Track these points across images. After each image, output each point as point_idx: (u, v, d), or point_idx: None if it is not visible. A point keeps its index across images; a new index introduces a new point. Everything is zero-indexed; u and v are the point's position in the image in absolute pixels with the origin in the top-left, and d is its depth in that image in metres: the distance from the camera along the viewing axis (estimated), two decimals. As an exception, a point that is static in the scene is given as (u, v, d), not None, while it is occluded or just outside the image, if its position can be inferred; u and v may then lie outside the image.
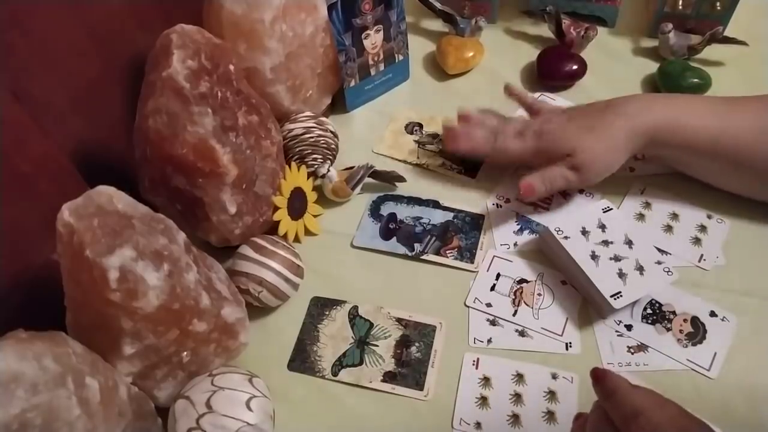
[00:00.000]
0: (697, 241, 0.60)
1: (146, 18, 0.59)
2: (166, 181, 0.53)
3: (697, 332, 0.54)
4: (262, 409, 0.48)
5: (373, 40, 0.71)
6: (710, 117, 0.57)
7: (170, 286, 0.44)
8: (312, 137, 0.65)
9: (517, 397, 0.53)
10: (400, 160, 0.71)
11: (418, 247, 0.62)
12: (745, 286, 0.57)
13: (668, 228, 0.61)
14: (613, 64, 0.77)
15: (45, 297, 0.46)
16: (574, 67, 0.74)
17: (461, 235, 0.63)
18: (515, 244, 0.62)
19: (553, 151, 0.59)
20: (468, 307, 0.58)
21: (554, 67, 0.75)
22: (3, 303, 0.47)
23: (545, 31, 0.81)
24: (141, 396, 0.47)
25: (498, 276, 0.60)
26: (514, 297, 0.58)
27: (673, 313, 0.56)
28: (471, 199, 0.66)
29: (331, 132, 0.67)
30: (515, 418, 0.51)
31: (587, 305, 0.57)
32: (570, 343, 0.55)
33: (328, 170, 0.65)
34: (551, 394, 0.52)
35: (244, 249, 0.57)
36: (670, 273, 0.56)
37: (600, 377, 0.39)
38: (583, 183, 0.60)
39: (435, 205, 0.66)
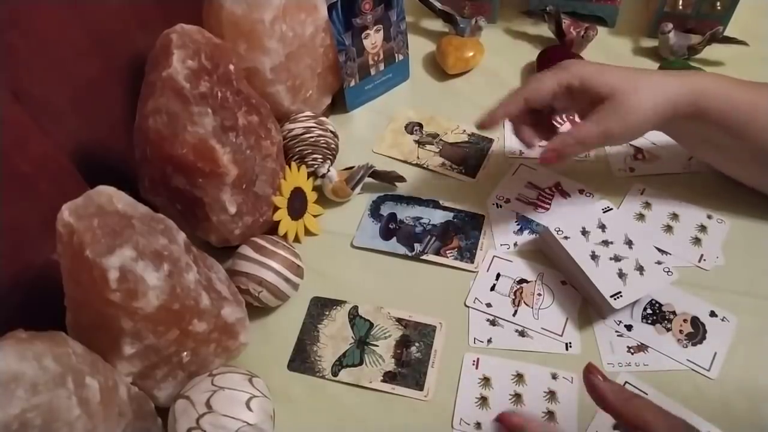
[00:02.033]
0: (697, 241, 0.60)
1: (146, 18, 0.59)
2: (166, 181, 0.53)
3: (697, 332, 0.54)
4: (262, 409, 0.48)
5: (373, 39, 0.71)
6: (753, 92, 0.55)
7: (170, 286, 0.44)
8: (312, 137, 0.65)
9: (517, 397, 0.52)
10: (400, 160, 0.71)
11: (418, 247, 0.62)
12: (745, 286, 0.57)
13: (668, 228, 0.61)
14: (613, 63, 0.77)
15: (45, 297, 0.46)
16: (574, 67, 0.74)
17: (461, 235, 0.63)
18: (515, 244, 0.62)
19: (593, 89, 0.55)
20: (468, 307, 0.58)
21: (554, 67, 0.75)
22: (3, 303, 0.47)
23: (545, 31, 0.81)
24: (141, 396, 0.47)
25: (498, 276, 0.60)
26: (514, 297, 0.58)
27: (673, 313, 0.56)
28: (471, 199, 0.66)
29: (331, 132, 0.67)
30: (515, 418, 0.52)
31: (587, 305, 0.57)
32: (570, 343, 0.55)
33: (328, 170, 0.65)
34: (551, 394, 0.52)
35: (244, 249, 0.57)
36: (670, 273, 0.55)
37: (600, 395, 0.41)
38: (611, 136, 0.55)
39: (435, 205, 0.66)
